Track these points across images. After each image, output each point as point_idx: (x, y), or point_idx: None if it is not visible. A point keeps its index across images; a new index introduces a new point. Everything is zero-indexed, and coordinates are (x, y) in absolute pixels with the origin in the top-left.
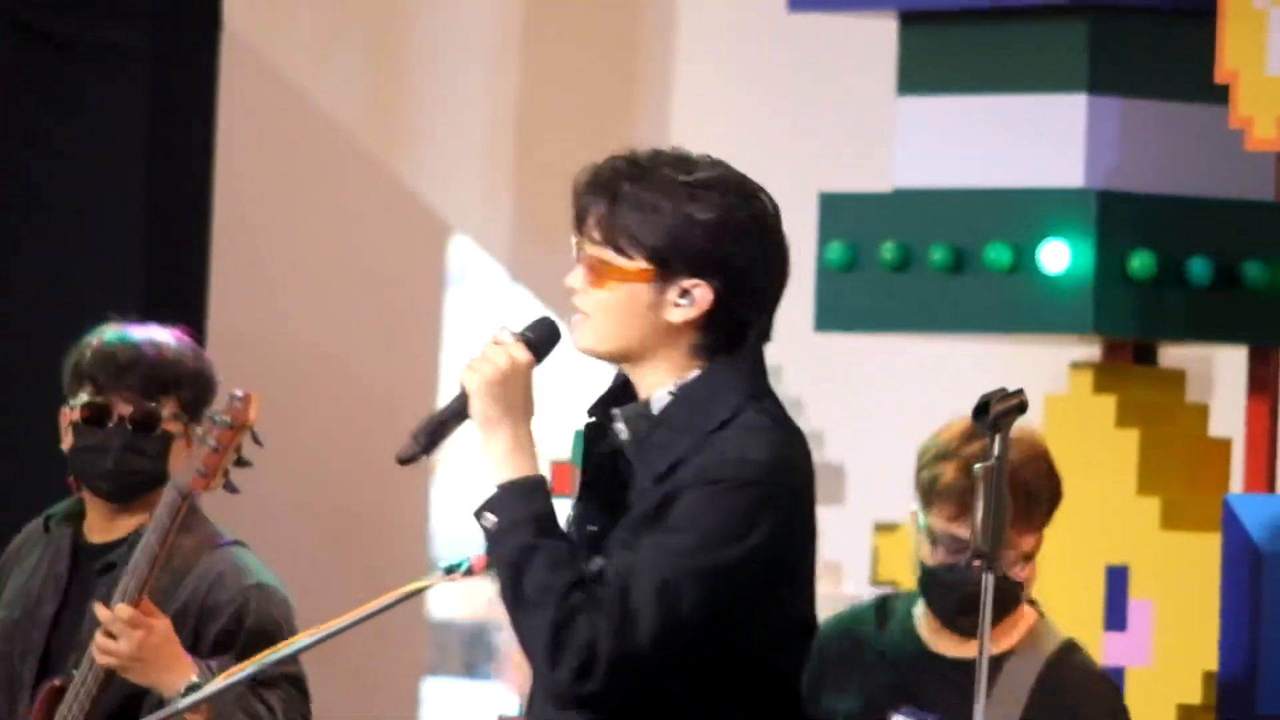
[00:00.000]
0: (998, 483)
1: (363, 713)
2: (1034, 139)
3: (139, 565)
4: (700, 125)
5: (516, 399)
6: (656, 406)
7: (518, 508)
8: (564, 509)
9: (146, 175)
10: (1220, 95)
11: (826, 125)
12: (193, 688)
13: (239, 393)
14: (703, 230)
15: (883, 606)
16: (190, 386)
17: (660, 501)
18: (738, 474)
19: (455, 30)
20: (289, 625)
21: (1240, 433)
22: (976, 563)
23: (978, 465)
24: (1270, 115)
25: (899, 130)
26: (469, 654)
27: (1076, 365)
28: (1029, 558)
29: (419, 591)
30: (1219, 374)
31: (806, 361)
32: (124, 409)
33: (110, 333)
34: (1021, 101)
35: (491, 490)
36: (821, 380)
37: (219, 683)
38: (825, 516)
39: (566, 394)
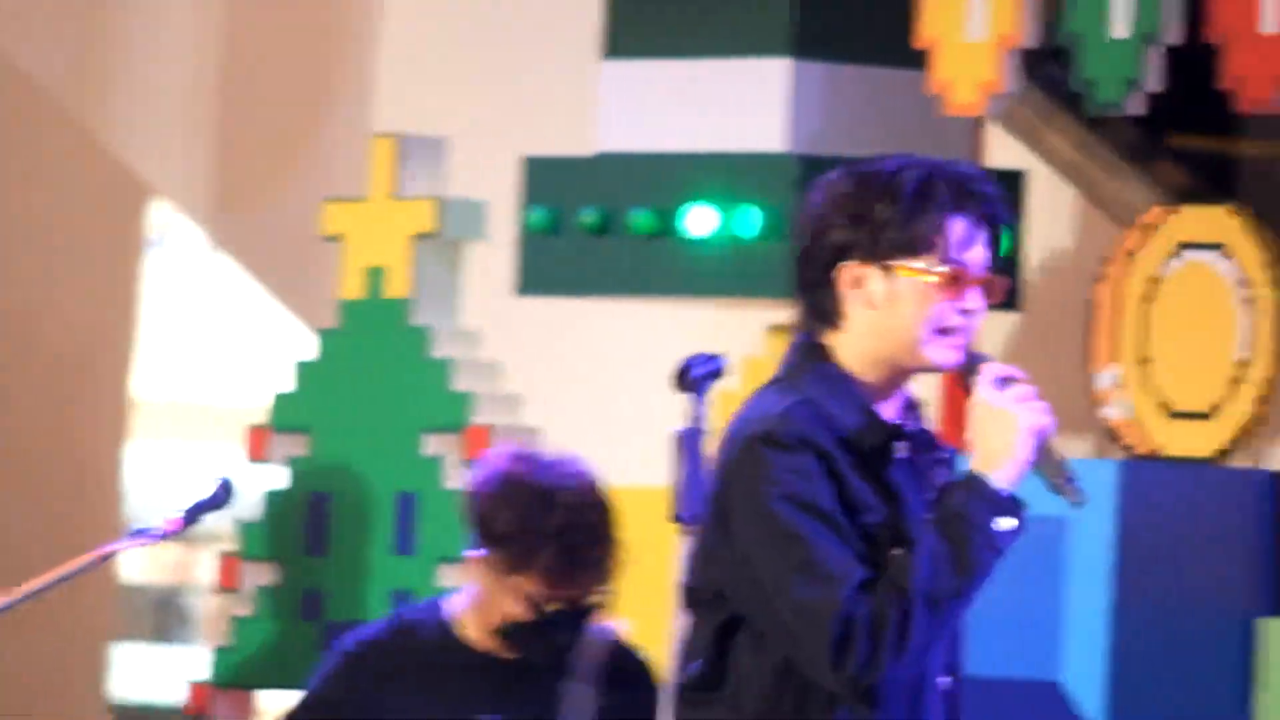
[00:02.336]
0: (693, 447)
1: (50, 677)
2: (737, 103)
3: None
4: (406, 88)
5: None
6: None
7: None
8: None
9: None
10: (921, 60)
11: (530, 88)
12: None
13: None
14: None
15: None
16: None
17: None
18: None
19: None
20: None
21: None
22: (679, 526)
23: (673, 430)
24: (970, 80)
25: (602, 94)
26: (159, 619)
27: (774, 328)
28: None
29: (110, 555)
30: None
31: (508, 325)
32: None
33: None
34: (725, 66)
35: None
36: (523, 344)
37: None
38: None
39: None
